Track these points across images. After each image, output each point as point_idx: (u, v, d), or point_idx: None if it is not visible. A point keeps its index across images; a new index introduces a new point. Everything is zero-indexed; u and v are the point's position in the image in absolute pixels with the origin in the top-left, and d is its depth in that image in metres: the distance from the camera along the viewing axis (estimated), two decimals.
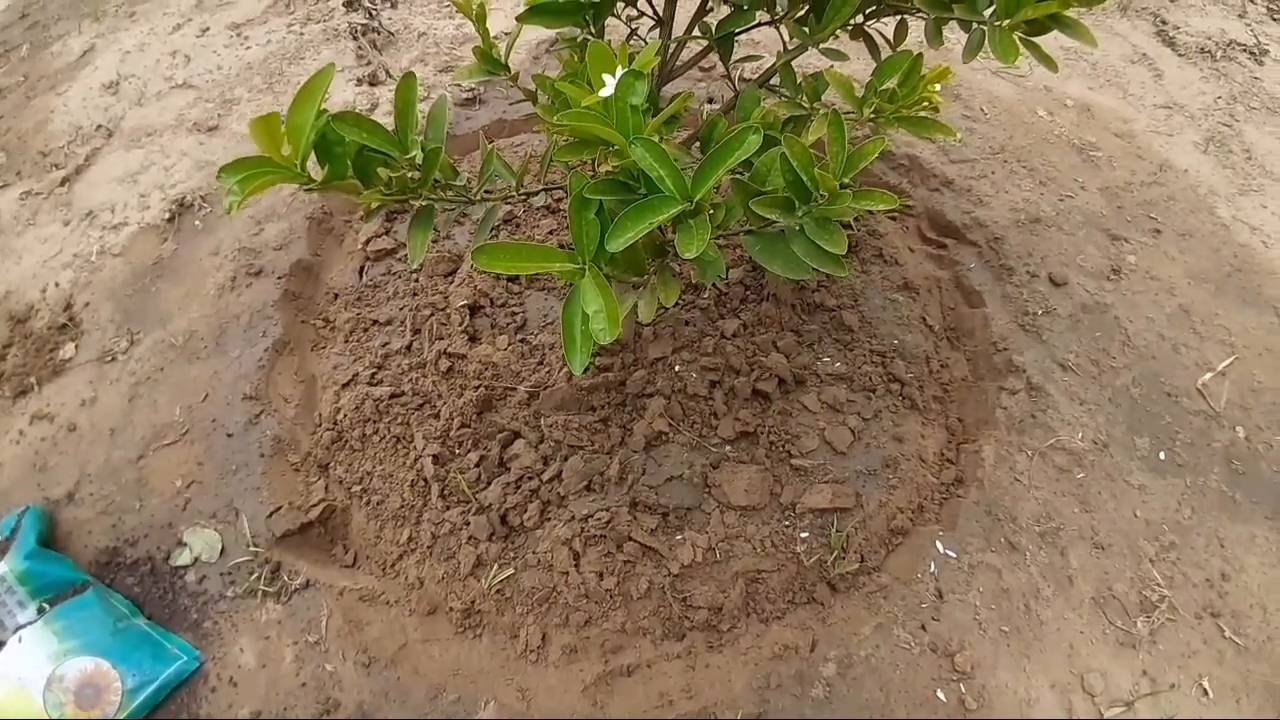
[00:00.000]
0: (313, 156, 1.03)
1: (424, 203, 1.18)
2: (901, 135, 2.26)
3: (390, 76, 2.60)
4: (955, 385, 1.83)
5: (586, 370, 1.68)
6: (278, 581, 1.56)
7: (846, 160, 1.06)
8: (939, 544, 1.58)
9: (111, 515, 1.66)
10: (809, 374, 1.73)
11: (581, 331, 1.03)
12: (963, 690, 1.42)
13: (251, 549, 1.59)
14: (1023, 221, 2.10)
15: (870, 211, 2.06)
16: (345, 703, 1.43)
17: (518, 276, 1.91)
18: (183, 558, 1.59)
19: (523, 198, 1.33)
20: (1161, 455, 1.73)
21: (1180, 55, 2.77)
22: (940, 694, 1.42)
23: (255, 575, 1.56)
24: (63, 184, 2.40)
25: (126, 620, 1.49)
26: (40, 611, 1.49)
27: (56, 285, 2.11)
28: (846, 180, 1.06)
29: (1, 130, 2.67)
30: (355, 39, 2.72)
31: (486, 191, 1.29)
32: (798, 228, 1.11)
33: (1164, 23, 2.89)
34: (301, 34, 2.83)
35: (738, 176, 1.14)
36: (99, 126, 2.58)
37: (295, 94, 0.96)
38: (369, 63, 2.63)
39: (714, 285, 1.85)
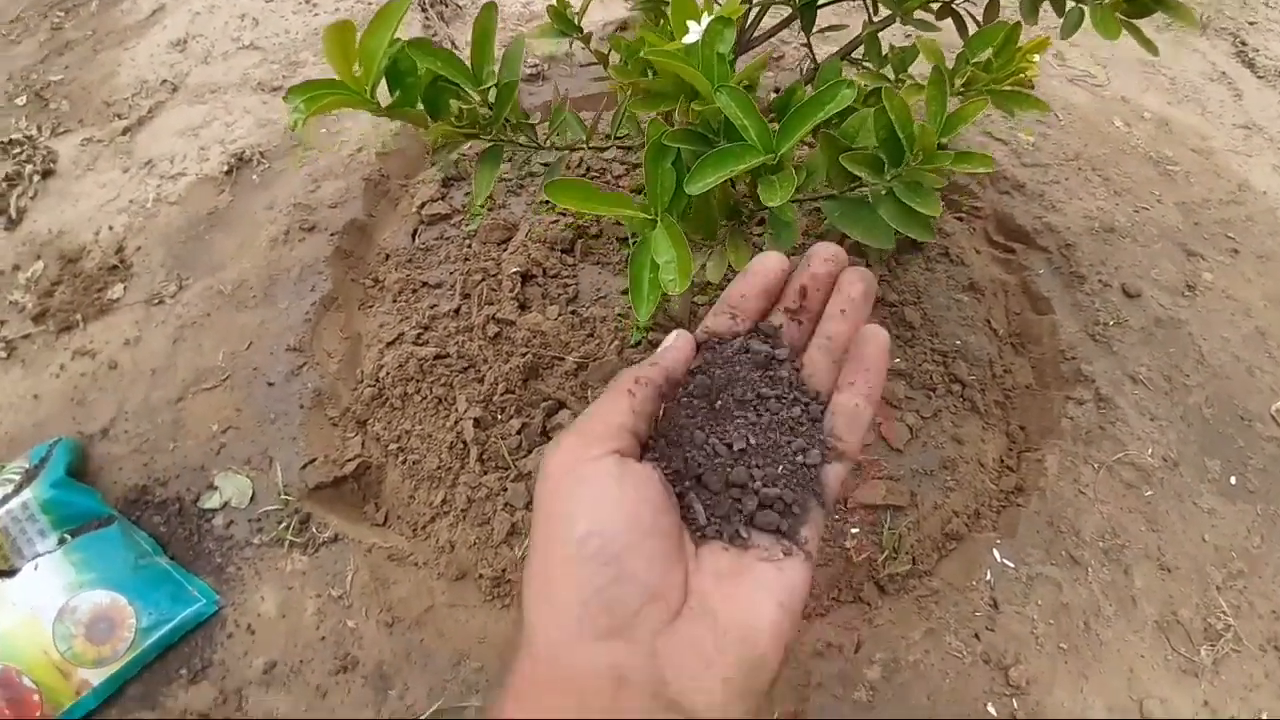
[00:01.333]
0: (383, 86, 0.99)
1: (493, 141, 1.14)
2: (974, 135, 2.20)
3: (456, 48, 2.59)
4: (1018, 392, 1.75)
5: (638, 344, 1.64)
6: (306, 533, 1.52)
7: (946, 120, 1.00)
8: (996, 552, 1.50)
9: (145, 454, 1.64)
10: None
11: (650, 281, 0.98)
12: (1015, 706, 1.34)
13: (283, 498, 1.55)
14: (1096, 230, 2.02)
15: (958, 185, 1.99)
16: (364, 660, 1.38)
17: (572, 248, 1.87)
18: (212, 501, 1.56)
19: (593, 150, 1.29)
20: (1232, 479, 1.64)
21: (1260, 77, 2.67)
22: (991, 708, 1.34)
23: (284, 525, 1.52)
24: (124, 133, 2.41)
25: (148, 558, 1.46)
26: (61, 542, 1.45)
27: (110, 229, 2.10)
28: (944, 141, 1.01)
29: (67, 80, 2.69)
30: (423, 10, 2.71)
31: (555, 141, 1.25)
32: (884, 191, 1.05)
33: (1243, 44, 2.80)
34: (370, 4, 2.83)
35: (826, 131, 1.08)
36: (164, 81, 2.58)
37: (372, 18, 0.92)
38: (435, 34, 2.62)
39: None
